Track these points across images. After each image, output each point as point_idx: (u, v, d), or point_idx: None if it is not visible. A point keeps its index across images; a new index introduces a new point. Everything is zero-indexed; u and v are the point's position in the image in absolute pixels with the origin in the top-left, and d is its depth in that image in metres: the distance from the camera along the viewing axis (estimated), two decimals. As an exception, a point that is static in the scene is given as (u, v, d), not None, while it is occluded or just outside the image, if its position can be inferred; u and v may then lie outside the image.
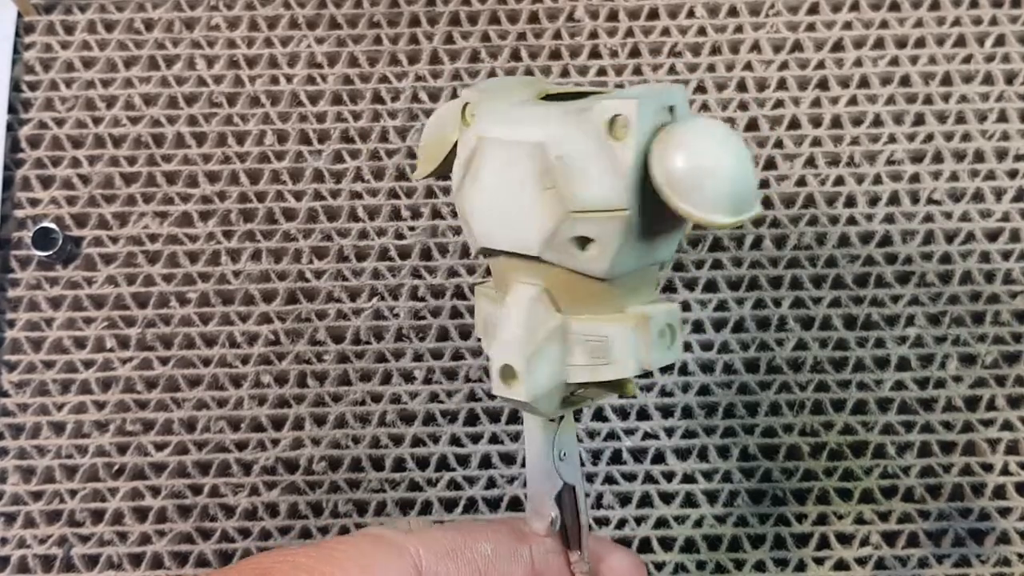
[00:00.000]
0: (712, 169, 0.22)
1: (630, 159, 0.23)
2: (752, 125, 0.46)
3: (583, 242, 0.24)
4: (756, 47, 0.47)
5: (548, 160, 0.24)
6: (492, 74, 0.47)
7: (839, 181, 0.45)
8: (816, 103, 0.46)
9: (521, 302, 0.25)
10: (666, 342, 0.25)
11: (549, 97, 0.26)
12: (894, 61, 0.46)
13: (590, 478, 0.43)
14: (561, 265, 0.25)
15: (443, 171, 0.28)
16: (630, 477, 0.43)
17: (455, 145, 0.27)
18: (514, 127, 0.25)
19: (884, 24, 0.47)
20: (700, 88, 0.47)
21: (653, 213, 0.24)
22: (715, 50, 0.47)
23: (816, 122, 0.46)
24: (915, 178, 0.45)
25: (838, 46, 0.47)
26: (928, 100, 0.46)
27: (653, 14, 0.47)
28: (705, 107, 0.46)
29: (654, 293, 0.27)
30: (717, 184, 0.22)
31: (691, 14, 0.47)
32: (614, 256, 0.24)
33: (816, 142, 0.46)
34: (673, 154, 0.23)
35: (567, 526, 0.29)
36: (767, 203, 0.45)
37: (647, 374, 0.43)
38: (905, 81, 0.46)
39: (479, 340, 0.44)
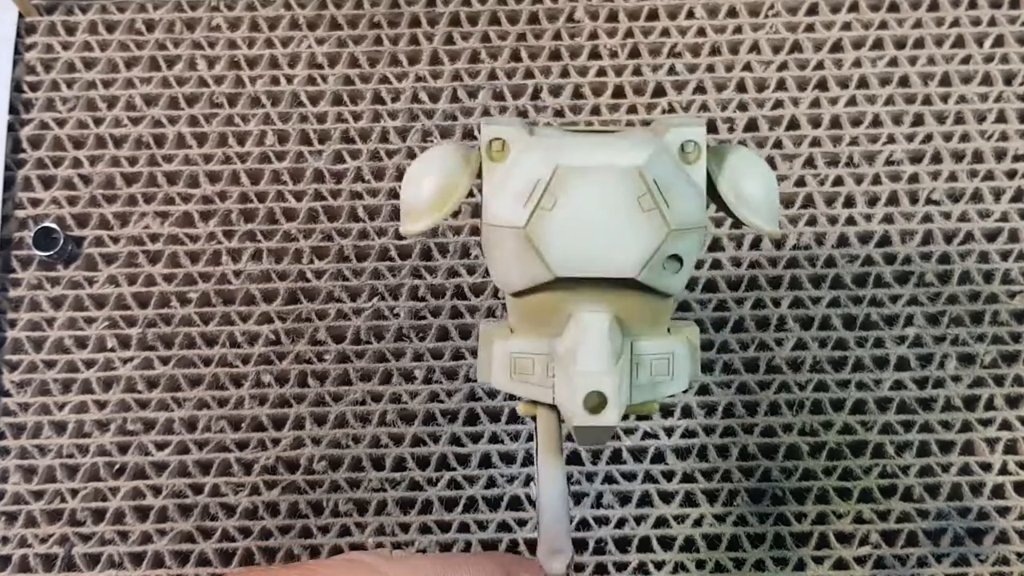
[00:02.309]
0: (772, 189, 0.27)
1: (702, 180, 0.26)
2: (751, 125, 0.46)
3: (674, 260, 0.26)
4: (755, 48, 0.47)
5: (647, 182, 0.25)
6: (492, 75, 0.47)
7: (838, 181, 0.45)
8: (815, 104, 0.46)
9: (599, 329, 0.26)
10: (698, 356, 0.28)
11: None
12: (893, 62, 0.47)
13: (590, 477, 0.43)
14: (650, 284, 0.26)
15: (445, 217, 0.27)
16: (630, 476, 0.43)
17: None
18: (595, 154, 0.25)
19: (883, 25, 0.47)
20: (700, 88, 0.47)
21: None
22: (714, 51, 0.47)
23: (815, 122, 0.46)
24: (914, 178, 0.46)
25: (837, 47, 0.47)
26: (927, 101, 0.46)
27: (653, 15, 0.47)
28: (704, 107, 0.46)
29: None
30: (773, 201, 0.27)
31: (691, 15, 0.47)
32: (691, 271, 0.26)
33: (815, 142, 0.46)
34: (748, 178, 0.27)
35: None
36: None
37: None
38: (904, 82, 0.46)
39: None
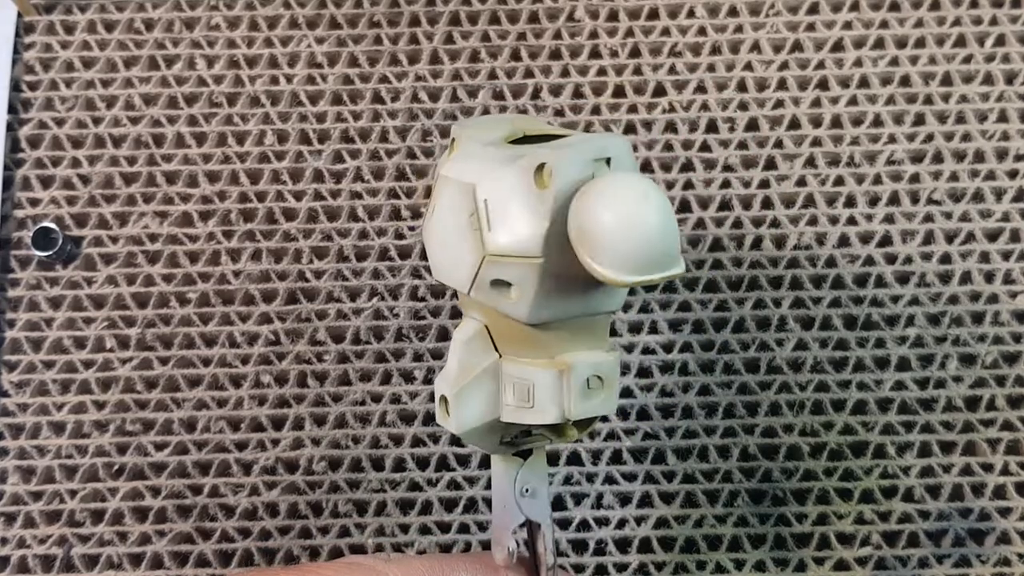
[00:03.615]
0: (621, 227, 0.21)
1: (549, 208, 0.23)
2: (752, 125, 0.46)
3: (504, 286, 0.24)
4: (756, 47, 0.47)
5: (476, 202, 0.24)
6: (492, 74, 0.47)
7: (839, 181, 0.45)
8: (816, 103, 0.46)
9: (462, 337, 0.26)
10: (594, 393, 0.25)
11: (525, 138, 0.26)
12: (894, 61, 0.46)
13: (590, 478, 0.43)
14: (491, 305, 0.25)
15: None
16: (630, 477, 0.43)
17: None
18: (463, 167, 0.25)
19: (884, 24, 0.47)
20: (700, 88, 0.47)
21: (580, 265, 0.23)
22: (715, 50, 0.47)
23: (816, 122, 0.46)
24: (915, 178, 0.46)
25: (838, 46, 0.47)
26: (928, 100, 0.46)
27: (653, 14, 0.47)
28: (705, 107, 0.46)
29: (598, 342, 0.26)
30: (625, 242, 0.21)
31: (691, 14, 0.47)
32: (532, 303, 0.24)
33: (816, 142, 0.46)
34: (585, 208, 0.22)
35: (536, 563, 0.29)
36: (767, 203, 0.45)
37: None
38: (905, 81, 0.46)
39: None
